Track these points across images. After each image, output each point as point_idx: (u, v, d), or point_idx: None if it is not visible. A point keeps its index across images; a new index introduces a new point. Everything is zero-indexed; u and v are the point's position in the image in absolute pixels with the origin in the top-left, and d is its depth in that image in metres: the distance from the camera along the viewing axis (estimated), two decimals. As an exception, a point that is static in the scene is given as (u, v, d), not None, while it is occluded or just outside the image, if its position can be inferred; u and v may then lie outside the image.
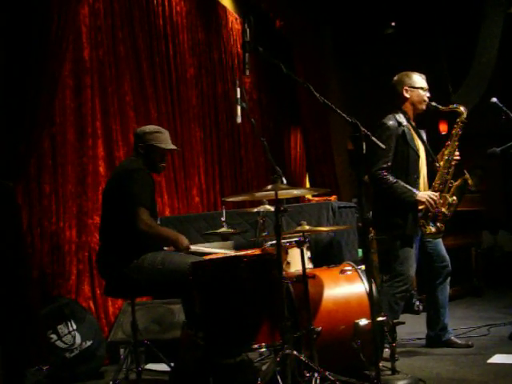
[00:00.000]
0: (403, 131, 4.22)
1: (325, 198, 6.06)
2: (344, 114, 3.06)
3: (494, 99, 4.40)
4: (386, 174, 4.16)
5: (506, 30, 9.20)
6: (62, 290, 4.59)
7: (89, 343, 4.27)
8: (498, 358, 3.87)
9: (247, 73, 3.29)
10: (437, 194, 4.18)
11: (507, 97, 4.71)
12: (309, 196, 6.43)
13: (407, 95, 4.32)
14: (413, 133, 4.28)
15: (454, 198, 4.22)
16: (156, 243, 3.71)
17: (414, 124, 4.35)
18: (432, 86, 4.35)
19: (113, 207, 3.74)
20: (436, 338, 4.39)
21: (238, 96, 3.61)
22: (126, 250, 3.61)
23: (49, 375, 3.61)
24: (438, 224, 4.21)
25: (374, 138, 3.21)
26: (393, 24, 10.82)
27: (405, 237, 4.19)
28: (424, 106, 4.33)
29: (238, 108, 3.59)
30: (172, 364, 3.76)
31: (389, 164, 4.17)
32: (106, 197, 3.87)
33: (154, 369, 4.02)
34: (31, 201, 4.47)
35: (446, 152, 4.25)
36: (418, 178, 4.26)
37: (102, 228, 3.86)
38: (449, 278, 4.41)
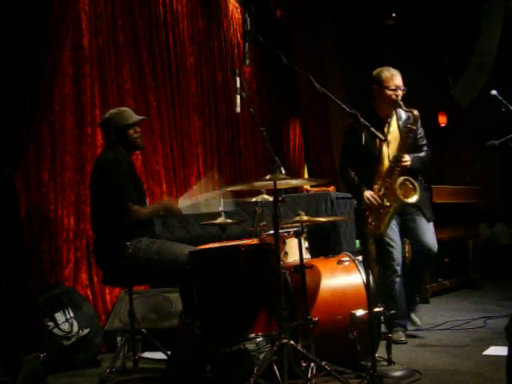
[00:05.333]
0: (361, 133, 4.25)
1: (323, 188, 6.06)
2: (344, 105, 3.06)
3: (494, 92, 4.39)
4: (342, 169, 4.45)
5: (506, 23, 9.17)
6: (59, 278, 4.60)
7: (86, 331, 4.28)
8: (493, 350, 3.88)
9: (247, 62, 3.29)
10: (375, 195, 4.25)
11: (507, 90, 4.69)
12: (307, 187, 6.43)
13: (375, 94, 4.36)
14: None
15: (388, 203, 4.24)
16: (151, 224, 3.81)
17: (388, 122, 4.36)
18: (432, 78, 4.34)
19: (101, 200, 3.75)
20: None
21: (238, 86, 3.59)
22: (120, 239, 3.62)
23: (46, 362, 3.62)
24: (373, 222, 4.29)
25: (373, 129, 3.22)
26: (393, 15, 10.79)
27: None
28: (392, 105, 4.30)
29: (238, 98, 3.58)
30: (169, 352, 3.77)
31: (347, 161, 4.39)
32: (92, 190, 3.89)
33: (150, 357, 4.03)
34: (30, 188, 4.46)
35: (395, 155, 4.23)
36: (374, 175, 4.30)
37: (93, 220, 3.87)
38: (428, 259, 4.39)
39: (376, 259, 4.67)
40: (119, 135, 3.85)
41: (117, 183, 3.66)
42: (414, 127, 4.21)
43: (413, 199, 4.13)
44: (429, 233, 4.36)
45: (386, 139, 4.18)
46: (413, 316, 4.52)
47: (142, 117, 4.00)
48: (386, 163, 4.30)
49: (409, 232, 4.41)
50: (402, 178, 4.14)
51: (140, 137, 3.94)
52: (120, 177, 3.68)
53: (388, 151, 4.31)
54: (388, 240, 4.31)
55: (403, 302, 4.37)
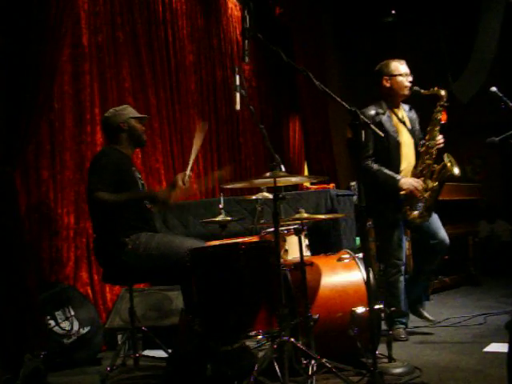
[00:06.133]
0: (380, 120, 4.28)
1: (323, 185, 6.06)
2: (343, 102, 3.06)
3: (494, 88, 4.39)
4: (368, 162, 4.27)
5: (506, 19, 9.16)
6: (59, 276, 4.60)
7: (86, 329, 4.28)
8: (494, 347, 3.88)
9: (247, 60, 3.29)
10: (419, 180, 4.22)
11: (507, 86, 4.69)
12: (307, 184, 6.43)
13: (387, 84, 4.38)
14: (394, 120, 4.33)
15: (436, 183, 4.25)
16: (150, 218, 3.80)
17: (400, 112, 4.41)
18: (432, 75, 4.35)
19: None
20: (410, 304, 4.46)
21: (237, 83, 3.59)
22: (119, 236, 3.61)
23: (46, 361, 3.62)
24: (421, 209, 4.25)
25: (373, 126, 3.21)
26: (393, 12, 10.78)
27: (386, 222, 4.28)
28: (406, 91, 4.36)
29: (237, 95, 3.57)
30: (169, 350, 3.77)
31: (370, 152, 4.28)
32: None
33: (151, 355, 4.02)
34: (29, 187, 4.47)
35: (427, 137, 4.30)
36: (401, 164, 4.30)
37: (92, 219, 3.87)
38: (439, 257, 4.43)
39: (377, 256, 4.67)
40: (126, 128, 3.87)
41: (90, 178, 3.68)
42: (446, 104, 4.27)
43: (457, 170, 4.20)
44: (441, 225, 4.42)
45: (383, 136, 4.20)
46: (425, 313, 4.51)
47: (146, 115, 4.07)
48: (411, 150, 4.34)
49: (423, 226, 4.37)
50: (446, 154, 4.21)
51: (144, 133, 3.99)
52: (95, 170, 3.68)
53: (409, 137, 4.37)
54: (397, 239, 4.30)
55: (404, 299, 4.37)
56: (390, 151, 4.28)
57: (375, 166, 4.25)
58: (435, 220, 4.41)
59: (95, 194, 3.56)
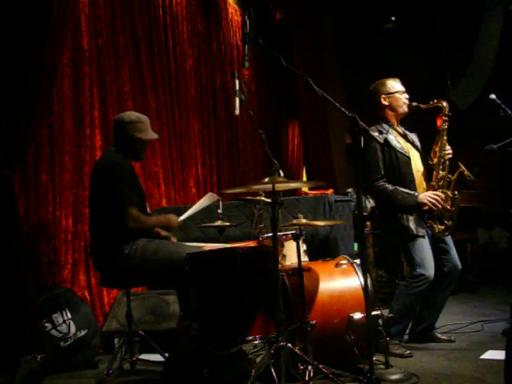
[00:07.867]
0: (385, 138, 4.24)
1: (321, 191, 6.06)
2: (343, 108, 3.07)
3: (493, 96, 4.40)
4: (382, 183, 4.19)
5: (505, 27, 9.19)
6: (57, 279, 4.60)
7: (83, 332, 4.27)
8: (491, 354, 3.88)
9: (246, 65, 3.29)
10: (437, 192, 4.16)
11: (506, 93, 4.70)
12: (306, 189, 6.44)
13: (386, 103, 4.34)
14: (398, 136, 4.30)
15: (456, 192, 4.23)
16: (149, 232, 3.78)
17: (399, 129, 4.38)
18: (431, 82, 4.35)
19: (100, 203, 3.73)
20: (420, 333, 4.38)
21: (237, 88, 3.59)
22: (117, 241, 3.60)
23: (43, 364, 3.61)
24: (445, 221, 4.21)
25: (371, 133, 3.22)
26: (393, 18, 10.81)
27: (414, 237, 4.14)
28: (405, 108, 4.33)
29: (237, 100, 3.57)
30: (166, 355, 3.77)
31: (382, 173, 4.20)
32: (91, 192, 3.86)
33: (148, 359, 4.02)
34: (28, 189, 4.46)
35: (437, 149, 4.26)
36: (414, 179, 4.24)
37: (91, 222, 3.85)
38: (453, 284, 4.37)
39: (375, 262, 4.65)
40: (127, 141, 3.84)
41: (117, 186, 3.62)
42: (450, 114, 4.26)
43: (473, 177, 4.20)
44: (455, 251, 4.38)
45: (383, 143, 4.18)
46: (441, 336, 4.40)
47: (156, 136, 4.01)
48: (420, 166, 4.31)
49: (440, 251, 4.29)
50: (459, 162, 4.20)
51: (145, 150, 3.99)
52: (120, 179, 3.63)
53: (415, 151, 4.34)
54: (427, 249, 4.18)
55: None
56: (400, 168, 4.21)
57: (390, 187, 4.16)
58: (452, 244, 4.36)
59: (134, 212, 3.59)
